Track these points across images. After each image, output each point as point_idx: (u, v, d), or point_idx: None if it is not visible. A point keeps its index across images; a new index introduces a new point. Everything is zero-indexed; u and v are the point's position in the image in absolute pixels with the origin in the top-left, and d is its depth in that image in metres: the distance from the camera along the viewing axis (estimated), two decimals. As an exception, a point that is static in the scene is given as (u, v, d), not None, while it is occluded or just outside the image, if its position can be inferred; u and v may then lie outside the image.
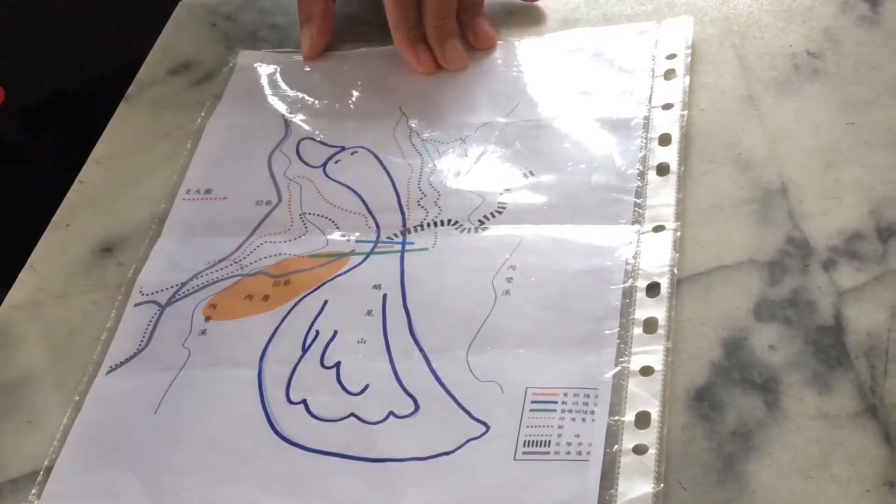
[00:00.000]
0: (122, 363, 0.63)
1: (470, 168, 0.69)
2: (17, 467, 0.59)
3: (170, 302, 0.66)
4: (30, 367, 0.64)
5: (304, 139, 0.74)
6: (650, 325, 0.58)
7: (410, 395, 0.58)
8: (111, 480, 0.58)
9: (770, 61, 0.71)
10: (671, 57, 0.72)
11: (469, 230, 0.66)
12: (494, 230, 0.65)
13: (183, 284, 0.66)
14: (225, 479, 0.56)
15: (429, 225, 0.66)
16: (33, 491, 0.58)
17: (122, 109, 0.80)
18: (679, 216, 0.63)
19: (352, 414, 0.58)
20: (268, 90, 0.78)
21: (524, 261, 0.63)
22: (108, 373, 0.63)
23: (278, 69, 0.80)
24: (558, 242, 0.64)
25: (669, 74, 0.71)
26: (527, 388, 0.57)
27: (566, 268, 0.62)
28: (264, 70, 0.80)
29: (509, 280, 0.62)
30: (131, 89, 0.81)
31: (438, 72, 0.77)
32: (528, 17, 0.80)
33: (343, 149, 0.73)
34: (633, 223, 0.64)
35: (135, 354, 0.63)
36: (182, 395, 0.61)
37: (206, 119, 0.77)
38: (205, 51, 0.83)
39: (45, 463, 0.59)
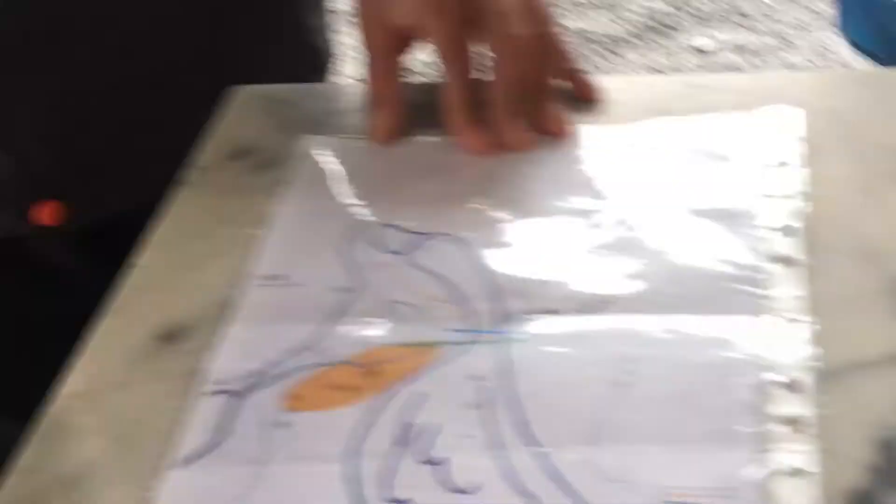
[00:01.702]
0: (196, 457, 0.57)
1: (566, 256, 0.64)
2: (83, 568, 0.52)
3: (247, 392, 0.60)
4: (91, 459, 0.58)
5: (383, 226, 0.69)
6: (793, 423, 0.53)
7: (532, 496, 0.52)
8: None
9: (884, 152, 0.67)
10: (782, 147, 0.68)
11: (571, 320, 0.60)
12: (600, 320, 0.61)
13: (260, 374, 0.61)
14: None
15: (527, 314, 0.61)
16: None
17: (180, 195, 0.75)
18: (809, 309, 0.58)
19: (469, 514, 0.52)
20: (338, 176, 0.74)
21: (641, 352, 0.58)
22: (182, 467, 0.57)
23: (347, 155, 0.75)
24: (677, 333, 0.59)
25: (782, 165, 0.67)
26: (660, 490, 0.51)
27: (690, 360, 0.58)
28: (332, 156, 0.75)
29: (628, 372, 0.57)
30: (189, 175, 0.76)
31: (496, 153, 0.73)
32: (617, 107, 0.75)
33: (427, 235, 0.68)
34: (757, 315, 0.58)
35: (212, 447, 0.57)
36: (269, 492, 0.55)
37: (273, 205, 0.71)
38: (265, 137, 0.79)
39: (116, 564, 0.52)
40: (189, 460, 0.57)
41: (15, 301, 0.90)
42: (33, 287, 0.91)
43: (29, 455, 0.59)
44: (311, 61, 0.95)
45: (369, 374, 0.60)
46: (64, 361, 0.64)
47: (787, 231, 0.64)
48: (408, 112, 0.77)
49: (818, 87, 0.75)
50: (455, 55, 0.73)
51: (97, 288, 0.82)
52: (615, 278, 0.63)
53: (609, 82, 0.78)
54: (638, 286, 0.62)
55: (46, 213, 0.83)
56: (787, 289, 0.61)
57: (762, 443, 0.53)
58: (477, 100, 0.74)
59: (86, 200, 0.85)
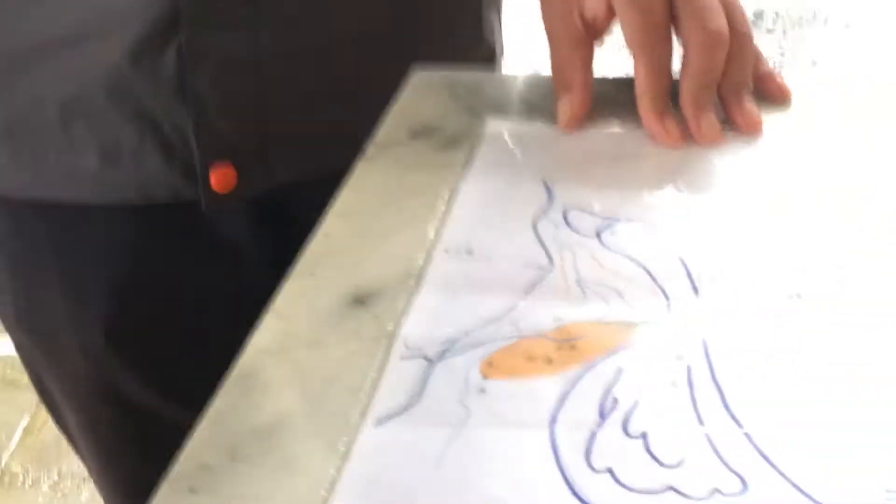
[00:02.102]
0: (391, 416, 0.57)
1: (765, 244, 0.64)
2: (280, 515, 0.52)
3: (440, 357, 0.60)
4: (284, 412, 0.58)
5: (571, 208, 0.69)
6: None
7: (736, 473, 0.52)
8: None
9: None
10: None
11: (779, 304, 0.59)
12: (812, 306, 0.60)
13: (454, 341, 0.60)
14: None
15: (727, 297, 0.60)
16: (303, 540, 0.51)
17: (362, 168, 0.75)
18: None
19: (670, 487, 0.51)
20: (522, 158, 0.74)
21: (857, 340, 0.57)
22: (377, 425, 0.56)
23: (532, 138, 0.75)
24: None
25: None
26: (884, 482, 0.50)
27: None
28: (517, 138, 0.75)
29: (842, 359, 0.56)
30: (370, 150, 0.76)
31: (685, 144, 0.73)
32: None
33: (617, 220, 0.67)
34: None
35: (406, 408, 0.57)
36: (466, 454, 0.54)
37: (458, 181, 0.72)
38: (448, 118, 0.79)
39: (313, 512, 0.52)
40: (384, 420, 0.57)
41: (182, 269, 0.91)
42: (202, 256, 0.92)
43: (220, 405, 0.59)
44: (483, 54, 0.95)
45: (563, 347, 0.59)
46: (231, 334, 0.65)
47: None
48: (595, 103, 0.77)
49: None
50: (649, 44, 0.73)
51: (264, 260, 0.83)
52: (813, 272, 0.62)
53: (799, 83, 0.77)
54: (837, 281, 0.61)
55: (220, 179, 0.84)
56: None
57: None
58: (669, 92, 0.74)
59: (260, 169, 0.85)
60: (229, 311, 0.83)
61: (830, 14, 3.32)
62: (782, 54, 3.04)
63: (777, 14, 3.39)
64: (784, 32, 3.29)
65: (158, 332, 0.93)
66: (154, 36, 0.80)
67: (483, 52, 0.97)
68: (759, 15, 3.39)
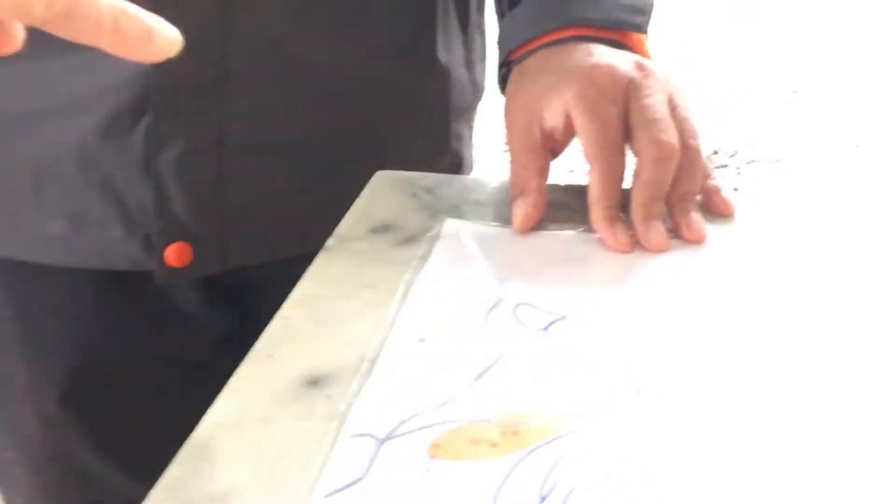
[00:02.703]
0: (339, 490, 0.59)
1: (705, 347, 0.67)
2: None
3: (389, 437, 0.62)
4: (236, 483, 0.61)
5: (521, 304, 0.72)
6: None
7: (666, 556, 0.54)
8: None
9: None
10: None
11: (717, 404, 0.63)
12: (748, 405, 0.64)
13: (402, 422, 0.63)
14: None
15: (667, 396, 0.63)
16: None
17: (322, 258, 0.78)
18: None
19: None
20: (478, 255, 0.77)
21: (795, 442, 0.60)
22: (325, 497, 0.59)
23: (486, 238, 0.78)
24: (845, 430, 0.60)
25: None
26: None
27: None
28: (472, 237, 0.78)
29: (778, 458, 0.59)
30: (331, 241, 0.79)
31: (633, 251, 0.77)
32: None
33: (564, 317, 0.70)
34: None
35: (353, 483, 0.60)
36: (408, 529, 0.57)
37: (414, 276, 0.75)
38: (406, 217, 0.82)
39: (260, 577, 0.54)
40: (332, 493, 0.59)
41: (138, 338, 0.94)
42: (157, 326, 0.94)
43: (175, 473, 0.61)
44: (449, 163, 0.99)
45: (507, 433, 0.62)
46: (181, 405, 0.67)
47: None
48: (549, 209, 0.80)
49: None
50: (604, 156, 0.77)
51: (218, 334, 0.86)
52: (757, 369, 0.65)
53: (743, 201, 0.81)
54: (782, 377, 0.64)
55: (176, 255, 0.87)
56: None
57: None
58: (620, 201, 0.77)
59: (216, 250, 0.89)
60: (181, 382, 0.86)
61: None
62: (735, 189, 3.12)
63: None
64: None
65: (112, 399, 0.96)
66: (124, 116, 0.84)
67: (449, 160, 1.01)
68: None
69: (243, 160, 0.88)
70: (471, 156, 1.06)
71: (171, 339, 0.96)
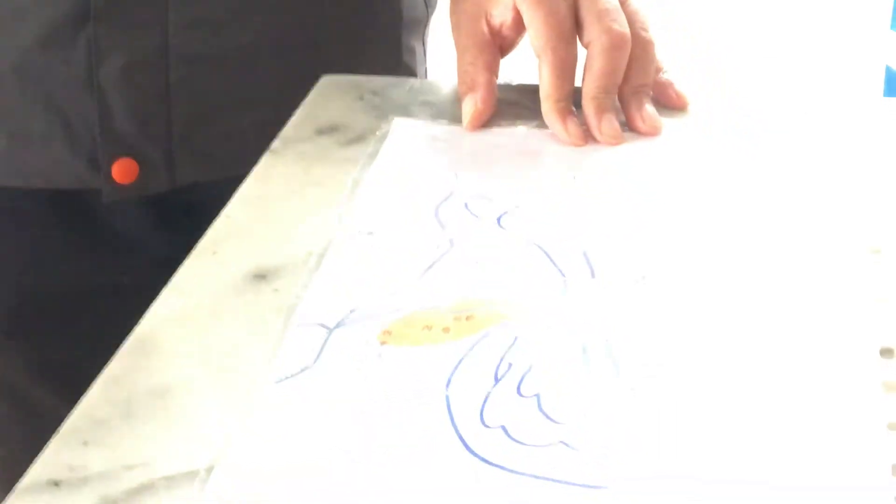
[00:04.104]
0: (288, 377, 0.57)
1: (659, 233, 0.65)
2: (174, 466, 0.53)
3: (339, 325, 0.60)
4: (182, 375, 0.59)
5: (472, 197, 0.70)
6: (889, 386, 0.54)
7: (627, 430, 0.53)
8: (284, 483, 0.52)
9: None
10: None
11: (668, 286, 0.61)
12: (699, 291, 0.62)
13: (352, 311, 0.61)
14: (418, 495, 0.51)
15: (622, 278, 0.62)
16: (195, 487, 0.51)
17: (266, 159, 0.76)
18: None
19: (561, 442, 0.52)
20: (427, 152, 0.75)
21: (742, 320, 0.59)
22: (274, 384, 0.57)
23: (436, 135, 0.76)
24: (779, 307, 0.59)
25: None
26: (761, 435, 0.52)
27: (793, 331, 0.58)
28: (422, 135, 0.76)
29: (727, 336, 0.57)
30: (276, 144, 0.77)
31: (586, 144, 0.75)
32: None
33: (517, 207, 0.69)
34: (851, 296, 0.60)
35: (302, 371, 0.58)
36: (362, 412, 0.55)
37: (362, 172, 0.73)
38: (353, 118, 0.80)
39: (207, 464, 0.53)
40: (280, 381, 0.57)
41: (82, 262, 0.91)
42: (103, 250, 0.92)
43: (116, 367, 0.59)
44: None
45: (460, 319, 0.60)
46: (126, 330, 0.65)
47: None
48: (498, 105, 0.78)
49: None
50: (553, 47, 0.75)
51: (166, 257, 0.83)
52: (706, 254, 0.64)
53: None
54: (731, 266, 0.63)
55: (122, 172, 0.84)
56: (876, 274, 0.61)
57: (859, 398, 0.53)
58: (572, 94, 0.76)
59: (164, 167, 0.86)
60: (128, 308, 0.83)
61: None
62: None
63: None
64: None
65: (56, 327, 0.93)
66: (64, 26, 0.81)
67: (401, 75, 0.98)
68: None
69: (189, 72, 0.85)
70: (424, 72, 1.03)
71: (118, 263, 0.93)
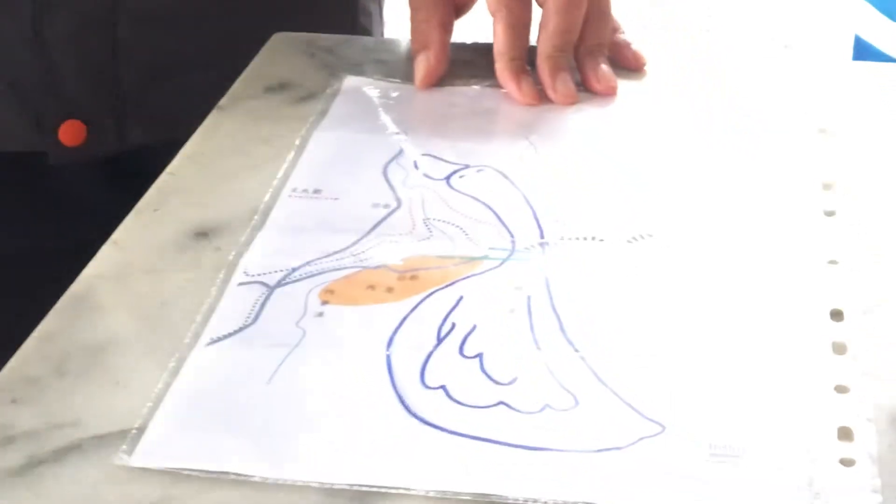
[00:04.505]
0: (225, 336, 0.56)
1: (611, 192, 0.64)
2: (104, 426, 0.51)
3: (279, 284, 0.59)
4: (117, 333, 0.57)
5: (423, 155, 0.68)
6: (839, 347, 0.53)
7: (567, 391, 0.51)
8: (217, 443, 0.50)
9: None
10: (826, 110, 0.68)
11: (619, 247, 0.59)
12: (647, 250, 0.59)
13: (294, 269, 0.60)
14: (354, 455, 0.49)
15: (570, 239, 0.60)
16: (123, 447, 0.50)
17: (214, 116, 0.74)
18: (852, 254, 0.58)
19: (501, 402, 0.51)
20: (379, 110, 0.73)
21: (688, 280, 0.57)
22: (210, 344, 0.55)
23: (387, 93, 0.75)
24: (726, 266, 0.58)
25: (822, 131, 0.67)
26: (710, 394, 0.50)
27: (740, 289, 0.57)
28: (373, 93, 0.75)
29: (674, 294, 0.56)
30: (224, 101, 0.75)
31: (540, 104, 0.73)
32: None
33: (467, 167, 0.67)
34: (801, 256, 0.58)
35: (240, 329, 0.56)
36: (300, 370, 0.54)
37: (311, 130, 0.71)
38: (305, 75, 0.78)
39: (137, 423, 0.51)
40: (217, 340, 0.56)
41: (28, 225, 0.89)
42: (49, 213, 0.89)
43: (49, 324, 0.58)
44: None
45: (405, 278, 0.59)
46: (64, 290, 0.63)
47: (828, 186, 0.63)
48: (451, 64, 0.77)
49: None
50: (507, 5, 0.73)
51: (110, 220, 0.81)
52: (659, 215, 0.62)
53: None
54: (682, 225, 0.62)
55: (69, 134, 0.82)
56: (829, 235, 0.60)
57: (808, 361, 0.52)
58: (526, 53, 0.74)
59: (112, 128, 0.84)
60: (73, 270, 0.81)
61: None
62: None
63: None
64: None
65: (2, 289, 0.91)
66: None
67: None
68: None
69: (138, 30, 0.83)
70: (381, 34, 1.01)
71: (67, 226, 0.91)
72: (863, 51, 1.12)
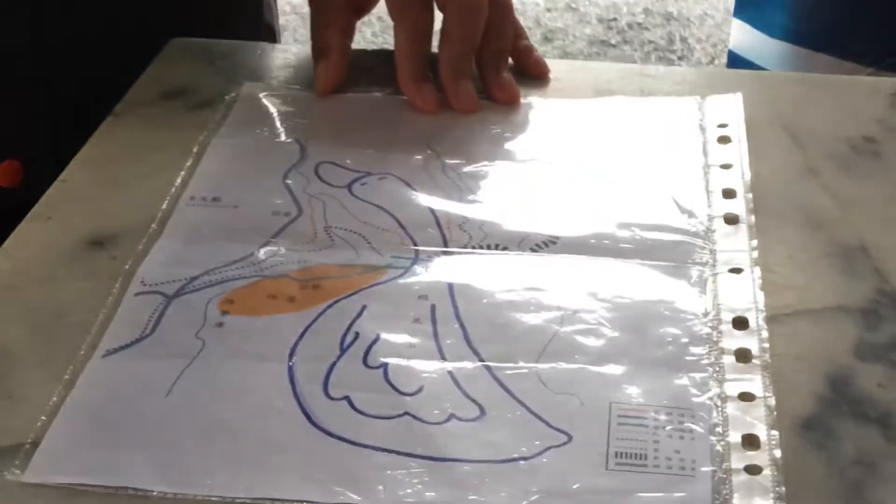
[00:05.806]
0: (121, 348, 0.54)
1: (513, 200, 0.63)
2: (-5, 440, 0.49)
3: (178, 294, 0.58)
4: (8, 344, 0.55)
5: (323, 162, 0.67)
6: (743, 355, 0.53)
7: (473, 401, 0.51)
8: (112, 458, 0.49)
9: (827, 142, 0.68)
10: (723, 126, 0.69)
11: (520, 256, 0.59)
12: (550, 258, 0.59)
13: (193, 279, 0.58)
14: (256, 467, 0.48)
15: (474, 247, 0.60)
16: (16, 462, 0.48)
17: (108, 123, 0.72)
18: (756, 262, 0.58)
19: (406, 413, 0.50)
20: (277, 117, 0.72)
21: (591, 287, 0.57)
22: (105, 356, 0.54)
23: (286, 100, 0.73)
24: (627, 274, 0.58)
25: (723, 140, 0.68)
26: (611, 402, 0.50)
27: (641, 296, 0.56)
28: (273, 100, 0.73)
29: (576, 302, 0.56)
30: (119, 107, 0.74)
31: (440, 112, 0.72)
32: (559, 85, 0.76)
33: (369, 174, 0.66)
34: (704, 265, 0.58)
35: (137, 341, 0.55)
36: (200, 382, 0.52)
37: (209, 137, 0.70)
38: (201, 81, 0.77)
39: (31, 438, 0.50)
40: (113, 351, 0.54)
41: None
42: None
43: (-63, 337, 0.56)
44: (265, 35, 0.93)
45: (307, 287, 0.58)
46: None
47: (728, 193, 0.64)
48: (352, 71, 0.76)
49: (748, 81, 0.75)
50: (408, 11, 0.72)
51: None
52: (560, 222, 0.62)
53: (554, 64, 0.78)
54: (583, 231, 0.61)
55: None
56: (732, 244, 0.60)
57: (712, 371, 0.52)
58: (427, 60, 0.73)
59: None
60: None
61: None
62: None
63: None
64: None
65: None
66: None
67: (264, 34, 0.95)
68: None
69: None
70: (279, 26, 1.00)
71: None
72: (737, 62, 1.16)
